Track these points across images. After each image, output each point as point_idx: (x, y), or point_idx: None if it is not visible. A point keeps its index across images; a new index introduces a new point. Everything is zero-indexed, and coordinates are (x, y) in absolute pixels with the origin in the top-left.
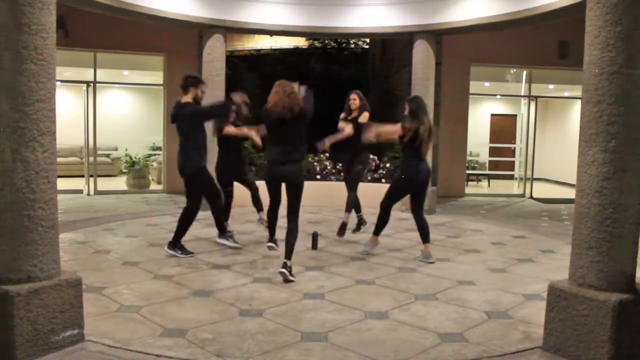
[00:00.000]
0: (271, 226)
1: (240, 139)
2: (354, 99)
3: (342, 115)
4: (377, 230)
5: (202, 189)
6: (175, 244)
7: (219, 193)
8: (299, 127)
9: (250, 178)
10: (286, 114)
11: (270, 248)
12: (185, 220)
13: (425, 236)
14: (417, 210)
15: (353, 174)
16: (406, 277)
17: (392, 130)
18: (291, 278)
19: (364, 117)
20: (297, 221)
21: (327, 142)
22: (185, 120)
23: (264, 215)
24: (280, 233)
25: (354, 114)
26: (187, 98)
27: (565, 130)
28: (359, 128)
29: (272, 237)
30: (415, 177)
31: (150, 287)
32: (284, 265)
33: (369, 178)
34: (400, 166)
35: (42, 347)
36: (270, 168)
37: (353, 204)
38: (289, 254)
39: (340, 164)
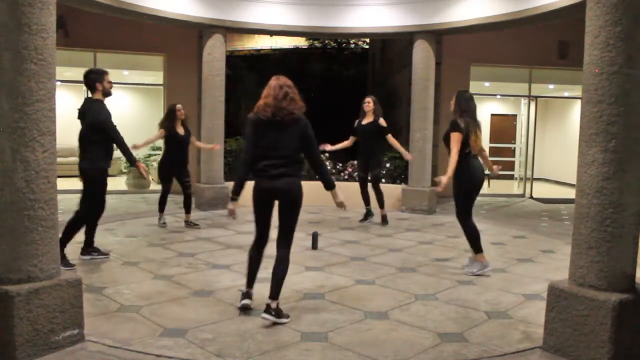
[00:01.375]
0: (252, 270)
1: (187, 141)
2: (368, 102)
3: (356, 122)
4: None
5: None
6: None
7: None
8: (294, 135)
9: (188, 181)
10: (282, 117)
11: (244, 307)
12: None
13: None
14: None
15: (373, 177)
16: (406, 277)
17: (455, 157)
18: (282, 320)
19: (382, 122)
20: (290, 249)
21: (328, 146)
22: (94, 122)
23: (190, 217)
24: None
25: (368, 118)
26: (97, 95)
27: (565, 130)
28: (372, 133)
29: (250, 286)
30: (481, 178)
31: (150, 287)
32: (267, 309)
33: None
34: (465, 173)
35: (42, 347)
36: (260, 184)
37: (383, 199)
38: (275, 293)
39: (357, 166)
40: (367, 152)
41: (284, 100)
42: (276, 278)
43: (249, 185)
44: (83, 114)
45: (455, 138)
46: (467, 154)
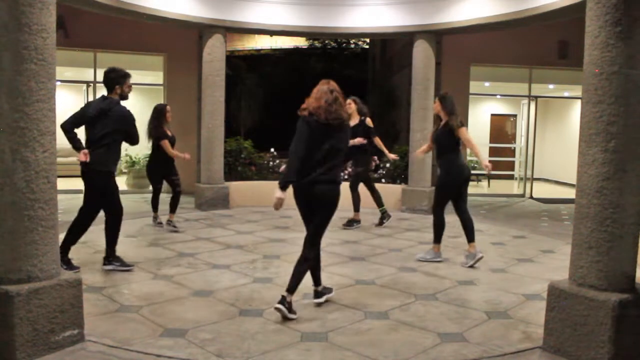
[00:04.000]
0: (312, 271)
1: (174, 141)
2: (349, 104)
3: None
4: (437, 239)
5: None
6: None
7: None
8: (340, 139)
9: (177, 179)
10: (331, 121)
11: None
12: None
13: (470, 235)
14: (463, 208)
15: (352, 176)
16: (406, 277)
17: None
18: (290, 316)
19: (369, 121)
20: (314, 250)
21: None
22: (115, 121)
23: (174, 217)
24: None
25: (353, 120)
26: (114, 96)
27: (565, 130)
28: (359, 135)
29: (318, 284)
30: (467, 176)
31: (150, 287)
32: (282, 300)
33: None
34: (451, 169)
35: (42, 347)
36: (301, 186)
37: (356, 203)
38: (292, 286)
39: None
40: (350, 156)
41: (334, 104)
42: (295, 274)
43: (245, 186)
44: (105, 112)
45: (466, 132)
46: (460, 151)
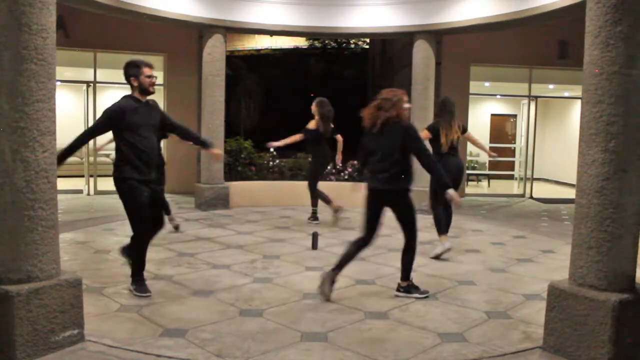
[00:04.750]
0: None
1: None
2: (313, 108)
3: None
4: (443, 229)
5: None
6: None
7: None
8: (392, 141)
9: (162, 189)
10: (377, 126)
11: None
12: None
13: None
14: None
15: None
16: None
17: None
18: (415, 295)
19: (311, 124)
20: (415, 240)
21: (275, 143)
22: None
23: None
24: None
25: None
26: (134, 92)
27: (565, 130)
28: (309, 135)
29: (338, 269)
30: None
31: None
32: (401, 288)
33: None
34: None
35: (42, 347)
36: (369, 185)
37: (318, 198)
38: (405, 275)
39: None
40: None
41: (378, 110)
42: (404, 263)
43: (245, 186)
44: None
45: (424, 133)
46: (439, 151)
